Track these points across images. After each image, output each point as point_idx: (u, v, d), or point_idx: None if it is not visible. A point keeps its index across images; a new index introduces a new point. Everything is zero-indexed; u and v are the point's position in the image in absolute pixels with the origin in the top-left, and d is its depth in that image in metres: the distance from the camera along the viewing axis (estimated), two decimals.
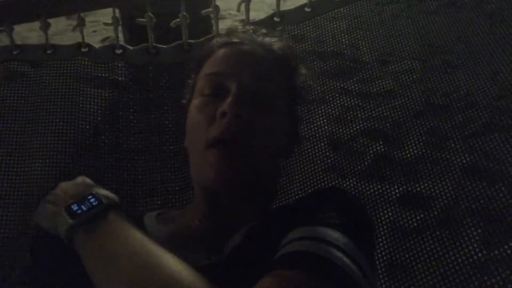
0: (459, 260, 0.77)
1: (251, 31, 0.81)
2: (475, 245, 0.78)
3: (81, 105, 1.02)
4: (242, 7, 1.14)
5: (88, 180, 0.71)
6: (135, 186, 0.97)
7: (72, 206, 0.61)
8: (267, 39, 0.80)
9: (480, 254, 0.76)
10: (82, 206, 0.61)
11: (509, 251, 0.75)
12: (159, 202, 0.96)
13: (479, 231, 0.79)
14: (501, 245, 0.77)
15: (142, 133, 1.02)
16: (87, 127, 1.00)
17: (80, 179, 0.72)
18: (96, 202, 0.61)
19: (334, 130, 1.00)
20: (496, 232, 0.78)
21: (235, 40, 0.78)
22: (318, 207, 0.64)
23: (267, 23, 1.12)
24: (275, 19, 1.14)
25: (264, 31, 0.83)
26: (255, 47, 0.76)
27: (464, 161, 0.88)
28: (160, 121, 1.04)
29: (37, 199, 0.91)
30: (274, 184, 0.83)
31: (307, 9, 1.16)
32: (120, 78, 1.07)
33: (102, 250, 0.56)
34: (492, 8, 1.09)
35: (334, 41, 1.12)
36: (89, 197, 0.62)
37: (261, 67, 0.74)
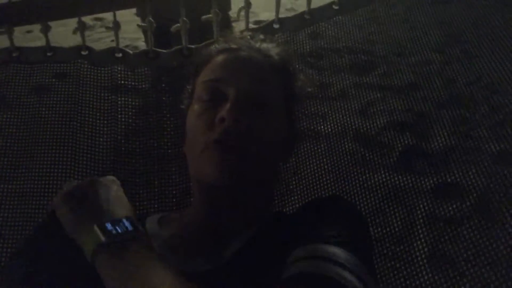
0: (501, 248, 0.77)
1: (248, 37, 0.82)
2: None
3: (79, 108, 1.02)
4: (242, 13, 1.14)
5: (121, 193, 0.70)
6: (132, 190, 0.96)
7: (106, 225, 0.60)
8: (265, 45, 0.81)
9: None
10: (117, 227, 0.60)
11: None
12: (156, 206, 0.96)
13: None
14: None
15: (140, 136, 1.02)
16: (85, 129, 1.00)
17: (113, 186, 0.70)
18: (131, 228, 0.61)
19: (359, 125, 1.00)
20: None
21: (233, 46, 0.79)
22: (319, 221, 0.66)
23: (267, 29, 1.12)
24: (275, 25, 1.14)
25: (261, 37, 0.83)
26: (252, 53, 0.77)
27: (493, 149, 0.88)
28: (159, 125, 1.04)
29: (36, 200, 0.92)
30: (271, 187, 0.84)
31: (306, 16, 1.16)
32: (119, 82, 1.07)
33: (125, 275, 0.56)
34: None
35: (351, 37, 1.12)
36: (124, 219, 0.62)
37: (258, 72, 0.75)
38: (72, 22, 1.10)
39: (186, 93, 0.84)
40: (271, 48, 0.81)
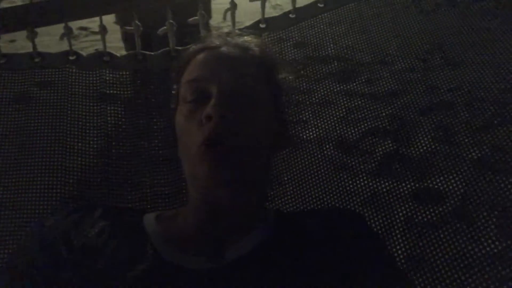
0: (478, 253, 0.77)
1: (224, 34, 0.83)
2: (493, 237, 0.78)
3: (69, 112, 1.02)
4: (228, 15, 1.15)
5: None
6: (124, 191, 0.96)
7: None
8: (242, 39, 0.81)
9: (500, 247, 0.76)
10: None
11: None
12: (148, 207, 0.96)
13: (495, 223, 0.79)
14: None
15: (130, 138, 1.02)
16: (75, 133, 1.00)
17: None
18: None
19: (341, 131, 1.00)
20: (510, 222, 0.79)
21: (211, 44, 0.79)
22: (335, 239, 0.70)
23: (253, 29, 1.12)
24: (261, 25, 1.15)
25: (237, 31, 0.84)
26: (231, 49, 0.78)
27: (473, 155, 0.88)
28: (149, 126, 1.04)
29: (25, 203, 0.91)
30: (265, 181, 0.84)
31: (291, 16, 1.17)
32: (108, 85, 1.07)
33: None
34: (484, 5, 1.11)
35: (334, 45, 1.12)
36: None
37: (239, 67, 0.75)
38: (57, 31, 1.10)
39: (172, 97, 0.84)
40: (250, 41, 0.81)
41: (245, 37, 0.82)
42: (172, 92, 0.83)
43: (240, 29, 1.06)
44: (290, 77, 0.86)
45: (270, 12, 1.17)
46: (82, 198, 0.93)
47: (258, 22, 1.15)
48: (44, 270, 0.67)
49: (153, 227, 0.74)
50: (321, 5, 1.16)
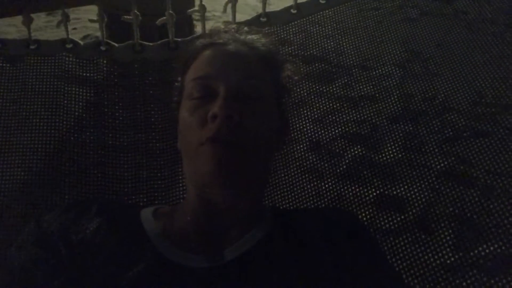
0: (434, 264, 0.78)
1: (233, 30, 0.82)
2: (448, 249, 0.79)
3: (65, 102, 1.01)
4: (228, 7, 1.15)
5: None
6: (120, 183, 0.96)
7: None
8: (250, 37, 0.81)
9: (453, 258, 0.78)
10: None
11: (479, 255, 0.77)
12: (144, 200, 0.95)
13: (453, 235, 0.81)
14: (472, 249, 0.78)
15: (127, 130, 1.01)
16: (72, 123, 0.99)
17: None
18: None
19: (314, 132, 1.00)
20: (469, 236, 0.80)
21: (219, 41, 0.79)
22: (336, 242, 0.71)
23: (254, 23, 1.12)
24: (262, 19, 1.15)
25: (246, 29, 0.83)
26: (238, 46, 0.77)
27: (439, 166, 0.90)
28: (146, 119, 1.03)
29: (17, 197, 0.90)
30: (264, 180, 0.84)
31: (292, 11, 1.17)
32: (105, 75, 1.06)
33: None
34: (469, 18, 1.12)
35: (318, 45, 1.13)
36: None
37: (246, 66, 0.75)
38: (43, 15, 1.09)
39: (175, 90, 0.84)
40: (257, 40, 0.81)
41: (253, 35, 0.81)
42: (176, 84, 0.83)
43: (240, 23, 1.06)
44: (294, 78, 0.86)
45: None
46: (78, 190, 0.92)
47: (259, 15, 1.14)
48: (42, 266, 0.67)
49: (151, 224, 0.73)
50: (323, 1, 1.17)
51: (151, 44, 1.10)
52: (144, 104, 1.04)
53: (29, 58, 1.05)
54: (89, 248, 0.68)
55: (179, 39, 1.10)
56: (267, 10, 1.16)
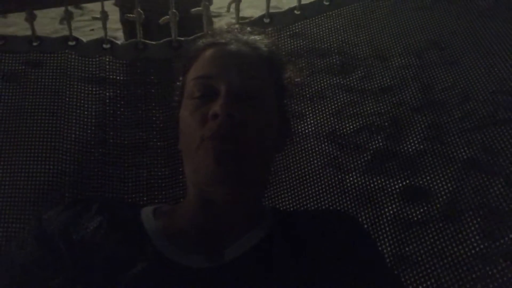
0: (462, 252, 0.79)
1: (236, 30, 0.82)
2: (477, 237, 0.80)
3: (67, 99, 1.01)
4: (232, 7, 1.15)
5: None
6: (121, 182, 0.96)
7: None
8: (252, 37, 0.81)
9: (481, 246, 0.79)
10: None
11: (509, 243, 0.77)
12: (145, 199, 0.95)
13: (480, 223, 0.81)
14: (501, 236, 0.79)
15: (129, 128, 1.01)
16: (73, 121, 0.99)
17: None
18: None
19: (334, 126, 1.01)
20: (496, 224, 0.81)
21: (221, 40, 0.79)
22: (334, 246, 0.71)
23: (257, 24, 1.12)
24: (265, 20, 1.14)
25: (249, 29, 0.83)
26: (240, 46, 0.77)
27: (463, 155, 0.90)
28: (148, 117, 1.03)
29: (21, 193, 0.91)
30: (265, 180, 0.84)
31: (296, 12, 1.16)
32: (107, 73, 1.06)
33: None
34: (484, 4, 1.11)
35: (332, 38, 1.12)
36: None
37: (248, 66, 0.75)
38: (50, 11, 1.08)
39: (176, 89, 0.84)
40: (259, 40, 0.81)
41: (255, 35, 0.81)
42: (177, 83, 0.83)
43: (243, 23, 1.06)
44: (296, 79, 0.86)
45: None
46: (78, 188, 0.93)
47: (262, 16, 1.14)
48: (42, 264, 0.67)
49: (151, 223, 0.73)
50: (327, 3, 1.16)
51: (153, 42, 1.10)
52: (145, 103, 1.04)
53: (31, 55, 1.05)
54: (89, 247, 0.68)
55: (182, 38, 1.10)
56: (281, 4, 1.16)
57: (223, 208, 0.72)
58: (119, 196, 0.94)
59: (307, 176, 0.97)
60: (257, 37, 0.81)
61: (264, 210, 0.79)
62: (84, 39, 1.10)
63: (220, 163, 0.67)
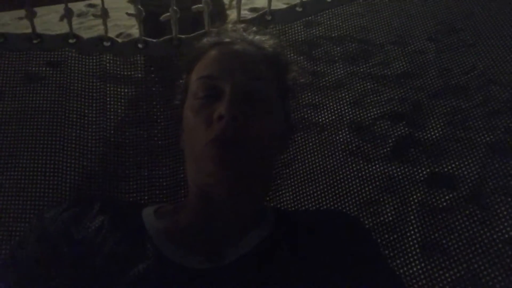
0: (493, 237, 0.79)
1: (241, 29, 0.81)
2: (505, 223, 0.79)
3: (67, 97, 0.99)
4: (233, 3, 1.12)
5: None
6: (122, 181, 0.95)
7: None
8: (258, 37, 0.80)
9: (509, 228, 0.78)
10: None
11: None
12: (146, 198, 0.95)
13: (508, 208, 0.81)
14: None
15: (130, 127, 1.00)
16: (74, 120, 0.98)
17: None
18: None
19: (354, 114, 1.00)
20: None
21: (226, 39, 0.78)
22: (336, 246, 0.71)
23: (259, 21, 1.10)
24: (267, 17, 1.13)
25: (254, 29, 0.83)
26: (246, 46, 0.77)
27: (487, 139, 0.89)
28: (149, 116, 1.02)
29: (19, 194, 0.90)
30: (268, 180, 0.84)
31: (298, 9, 1.14)
32: (108, 71, 1.04)
33: None
34: None
35: (349, 26, 1.11)
36: None
37: (253, 66, 0.74)
38: (59, 7, 1.06)
39: (179, 88, 0.83)
40: (264, 40, 0.80)
41: (260, 35, 0.81)
42: (180, 81, 0.82)
43: (244, 21, 1.05)
44: (300, 80, 0.86)
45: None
46: (79, 187, 0.92)
47: (264, 14, 1.12)
48: (44, 264, 0.67)
49: (153, 223, 0.73)
50: (329, 0, 1.14)
51: (154, 40, 1.09)
52: (146, 101, 1.03)
53: (31, 53, 1.03)
54: (90, 246, 0.68)
55: (183, 36, 1.08)
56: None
57: (225, 209, 0.72)
58: (120, 195, 0.94)
59: (329, 167, 0.96)
60: (262, 37, 0.81)
61: (265, 210, 0.78)
62: (85, 37, 1.08)
63: (224, 165, 0.67)
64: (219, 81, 0.71)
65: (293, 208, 0.93)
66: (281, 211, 0.87)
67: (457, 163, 0.89)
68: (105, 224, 0.71)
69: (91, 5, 3.92)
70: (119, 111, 1.01)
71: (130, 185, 0.95)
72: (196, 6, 1.08)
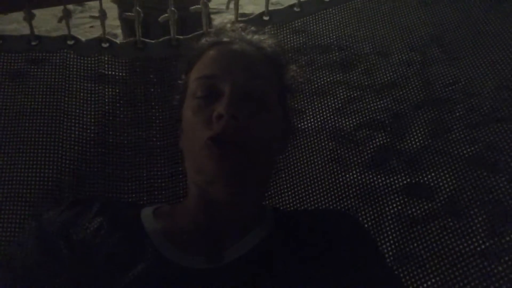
0: (467, 249, 0.78)
1: (240, 29, 0.81)
2: (482, 234, 0.79)
3: (66, 99, 0.99)
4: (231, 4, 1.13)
5: None
6: (120, 182, 0.95)
7: None
8: (257, 37, 0.80)
9: (487, 243, 0.78)
10: None
11: None
12: (145, 199, 0.94)
13: (485, 220, 0.80)
14: (506, 234, 0.78)
15: (128, 128, 1.00)
16: (72, 121, 0.98)
17: None
18: None
19: (336, 122, 1.00)
20: (500, 221, 0.80)
21: (225, 39, 0.78)
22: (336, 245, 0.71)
23: (256, 21, 1.11)
24: (264, 18, 1.13)
25: (253, 28, 0.83)
26: (245, 46, 0.77)
27: (466, 152, 0.89)
28: (147, 116, 1.02)
29: (21, 193, 0.90)
30: (267, 180, 0.84)
31: (296, 9, 1.15)
32: (106, 72, 1.04)
33: None
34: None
35: (334, 34, 1.11)
36: None
37: (252, 66, 0.74)
38: (52, 8, 1.07)
39: (178, 88, 0.83)
40: (263, 40, 0.80)
41: (259, 35, 0.81)
42: (179, 82, 0.82)
43: (242, 21, 1.05)
44: (299, 79, 0.86)
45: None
46: (78, 188, 0.92)
47: (262, 14, 1.13)
48: (42, 265, 0.67)
49: (152, 224, 0.73)
50: (327, 0, 1.15)
51: (152, 41, 1.09)
52: (145, 102, 1.03)
53: (30, 54, 1.04)
54: (89, 247, 0.68)
55: (181, 37, 1.08)
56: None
57: (224, 208, 0.71)
58: (119, 196, 0.93)
59: (309, 174, 0.96)
60: (261, 37, 0.81)
61: (264, 210, 0.78)
62: (83, 38, 1.08)
63: (223, 165, 0.66)
64: (218, 80, 0.71)
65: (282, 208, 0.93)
66: (280, 211, 0.87)
67: (435, 174, 0.88)
68: (104, 225, 0.70)
69: (78, 4, 3.93)
70: (118, 112, 1.01)
71: (128, 186, 0.95)
72: (194, 7, 1.09)
